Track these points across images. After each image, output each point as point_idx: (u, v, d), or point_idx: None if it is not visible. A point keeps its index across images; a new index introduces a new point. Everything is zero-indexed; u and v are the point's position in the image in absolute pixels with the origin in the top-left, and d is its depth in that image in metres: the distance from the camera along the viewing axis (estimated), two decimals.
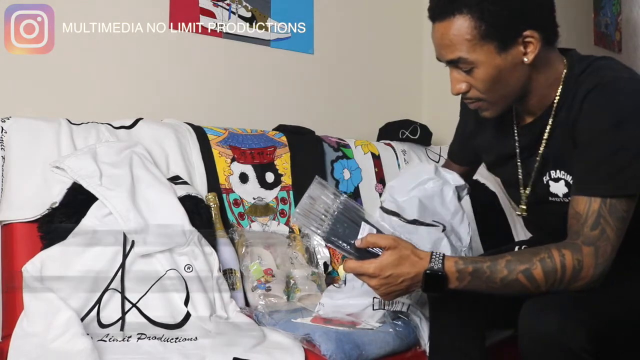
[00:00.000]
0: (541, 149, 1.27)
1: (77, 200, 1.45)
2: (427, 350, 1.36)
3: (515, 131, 1.33)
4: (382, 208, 1.55)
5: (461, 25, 1.15)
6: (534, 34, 1.15)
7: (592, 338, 1.03)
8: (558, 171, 1.25)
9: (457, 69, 1.20)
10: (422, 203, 1.53)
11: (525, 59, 1.17)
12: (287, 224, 1.81)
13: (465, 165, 1.61)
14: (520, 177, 1.33)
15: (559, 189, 1.26)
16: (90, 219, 1.43)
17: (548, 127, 1.25)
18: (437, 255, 1.17)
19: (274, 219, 1.80)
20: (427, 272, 1.15)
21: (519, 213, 1.38)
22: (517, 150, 1.32)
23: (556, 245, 1.13)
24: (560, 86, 1.22)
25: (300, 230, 1.79)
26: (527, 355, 1.07)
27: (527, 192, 1.33)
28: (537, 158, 1.28)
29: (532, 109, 1.27)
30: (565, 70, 1.22)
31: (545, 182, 1.28)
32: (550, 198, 1.28)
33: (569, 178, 1.23)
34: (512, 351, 1.53)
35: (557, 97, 1.22)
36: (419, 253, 1.18)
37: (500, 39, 1.15)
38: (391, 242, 1.17)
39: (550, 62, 1.22)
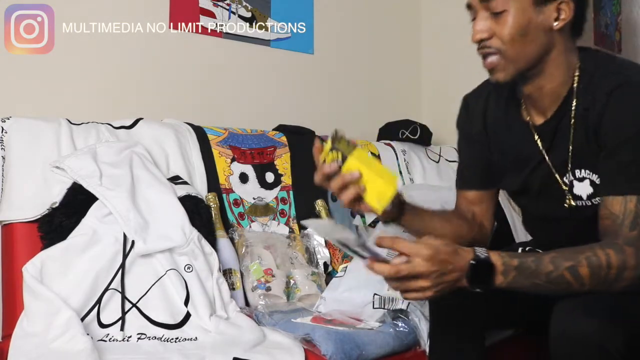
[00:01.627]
0: (562, 148, 1.23)
1: (77, 200, 1.46)
2: (427, 350, 1.36)
3: (534, 132, 1.28)
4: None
5: None
6: (569, 4, 1.16)
7: (627, 342, 1.01)
8: (583, 170, 1.22)
9: (486, 11, 1.18)
10: None
11: (555, 24, 1.17)
12: (287, 224, 1.80)
13: (480, 188, 1.40)
14: (557, 175, 1.25)
15: (583, 189, 1.22)
16: (90, 219, 1.43)
17: (568, 125, 1.21)
18: (480, 248, 1.08)
19: (274, 219, 1.80)
20: (473, 262, 1.05)
21: (567, 204, 1.25)
22: (543, 150, 1.26)
23: (599, 244, 1.09)
24: (575, 81, 1.20)
25: (300, 230, 1.79)
26: (560, 356, 1.04)
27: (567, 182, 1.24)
28: (560, 159, 1.24)
29: (543, 103, 1.24)
30: (579, 64, 1.21)
31: (568, 183, 1.24)
32: (566, 203, 1.24)
33: (595, 178, 1.20)
34: (512, 351, 1.52)
35: (575, 90, 1.20)
36: (460, 247, 1.09)
37: None
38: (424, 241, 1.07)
39: (569, 48, 1.21)
